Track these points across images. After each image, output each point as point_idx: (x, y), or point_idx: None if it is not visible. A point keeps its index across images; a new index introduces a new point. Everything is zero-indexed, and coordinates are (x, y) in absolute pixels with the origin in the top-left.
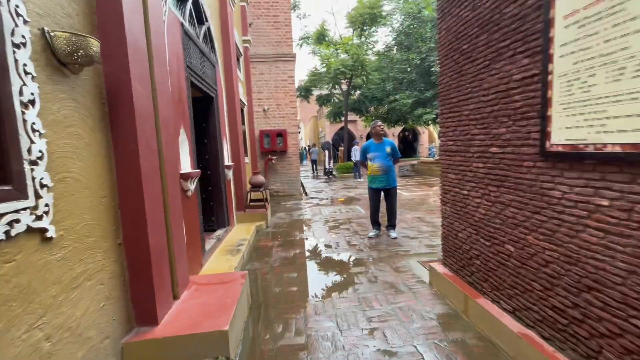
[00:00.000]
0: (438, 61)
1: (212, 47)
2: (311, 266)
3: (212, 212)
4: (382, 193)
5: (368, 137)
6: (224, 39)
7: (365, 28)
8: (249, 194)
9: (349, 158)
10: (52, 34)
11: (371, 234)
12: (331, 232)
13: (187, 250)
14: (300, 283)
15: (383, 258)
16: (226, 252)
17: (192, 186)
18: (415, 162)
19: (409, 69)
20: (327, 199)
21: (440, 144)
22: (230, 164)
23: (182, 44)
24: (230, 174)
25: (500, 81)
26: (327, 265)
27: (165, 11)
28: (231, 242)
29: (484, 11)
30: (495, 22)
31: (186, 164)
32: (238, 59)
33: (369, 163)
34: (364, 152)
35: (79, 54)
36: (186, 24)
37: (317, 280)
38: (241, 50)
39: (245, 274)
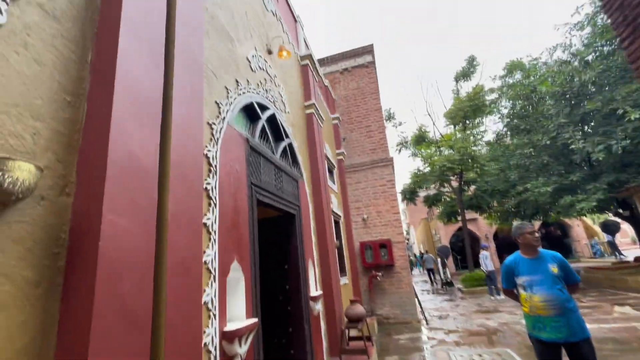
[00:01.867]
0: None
1: (295, 161)
2: None
3: None
4: (564, 349)
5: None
6: (311, 154)
7: (468, 121)
8: (345, 333)
9: (476, 265)
10: None
11: None
12: None
13: None
14: None
15: None
16: None
17: (242, 348)
18: (580, 266)
19: (533, 153)
20: (457, 330)
21: None
22: (317, 294)
23: (247, 160)
24: (318, 306)
25: None
26: None
27: (221, 128)
28: None
29: None
30: None
31: (239, 312)
32: (331, 172)
33: (523, 294)
34: (509, 275)
35: None
36: (254, 140)
37: None
38: (334, 162)
39: None
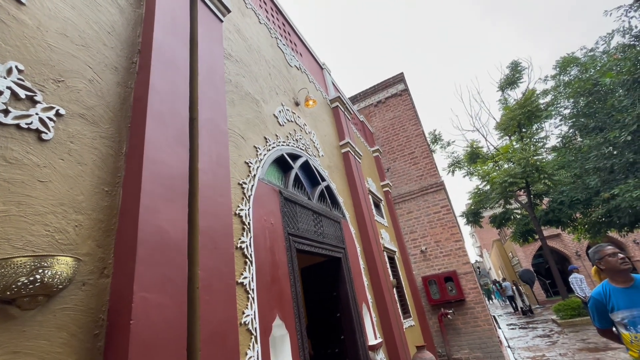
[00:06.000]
0: None
1: (334, 203)
2: None
3: None
4: None
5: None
6: (352, 192)
7: (524, 129)
8: None
9: (569, 290)
10: None
11: None
12: None
13: None
14: None
15: None
16: None
17: None
18: None
19: (614, 152)
20: None
21: None
22: (377, 342)
23: (281, 211)
24: (379, 356)
25: None
26: None
27: (253, 186)
28: None
29: None
30: None
31: None
32: (378, 206)
33: (626, 334)
34: (601, 311)
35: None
36: (287, 190)
37: None
38: (380, 195)
39: None
